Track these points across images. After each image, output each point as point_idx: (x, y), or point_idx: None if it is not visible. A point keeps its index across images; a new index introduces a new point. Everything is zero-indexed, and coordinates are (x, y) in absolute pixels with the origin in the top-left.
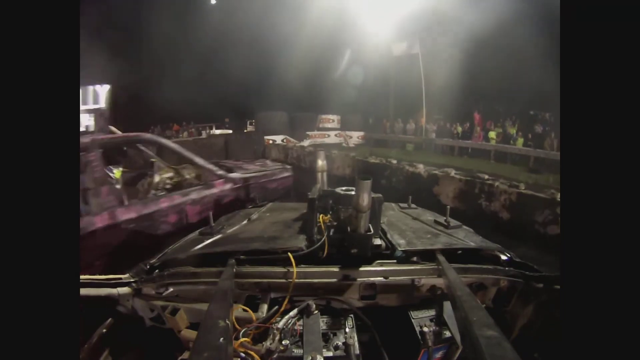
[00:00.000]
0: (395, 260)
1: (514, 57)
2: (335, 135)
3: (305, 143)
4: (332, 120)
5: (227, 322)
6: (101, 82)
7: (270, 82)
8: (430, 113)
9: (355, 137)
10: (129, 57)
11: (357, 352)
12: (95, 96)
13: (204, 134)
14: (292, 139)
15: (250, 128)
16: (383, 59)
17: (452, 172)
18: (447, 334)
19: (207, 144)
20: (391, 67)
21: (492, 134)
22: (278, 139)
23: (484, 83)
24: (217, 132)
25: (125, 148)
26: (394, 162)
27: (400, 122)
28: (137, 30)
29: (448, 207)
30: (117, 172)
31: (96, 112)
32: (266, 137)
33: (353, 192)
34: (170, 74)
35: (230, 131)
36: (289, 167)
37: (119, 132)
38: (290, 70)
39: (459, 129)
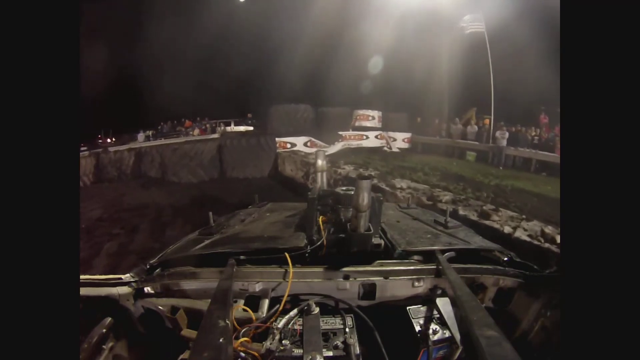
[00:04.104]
0: (395, 260)
1: None
2: (376, 137)
3: (336, 148)
4: (371, 117)
5: (227, 322)
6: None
7: (296, 70)
8: (478, 112)
9: (400, 139)
10: (141, 51)
11: (357, 352)
12: None
13: (218, 131)
14: (318, 142)
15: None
16: (436, 45)
17: None
18: (447, 333)
19: (189, 152)
20: (446, 54)
21: None
22: (299, 142)
23: (546, 79)
24: (242, 128)
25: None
26: None
27: (459, 123)
28: (150, 25)
29: (448, 207)
30: None
31: None
32: (281, 140)
33: (353, 192)
34: (185, 67)
35: (252, 128)
36: None
37: None
38: (321, 56)
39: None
